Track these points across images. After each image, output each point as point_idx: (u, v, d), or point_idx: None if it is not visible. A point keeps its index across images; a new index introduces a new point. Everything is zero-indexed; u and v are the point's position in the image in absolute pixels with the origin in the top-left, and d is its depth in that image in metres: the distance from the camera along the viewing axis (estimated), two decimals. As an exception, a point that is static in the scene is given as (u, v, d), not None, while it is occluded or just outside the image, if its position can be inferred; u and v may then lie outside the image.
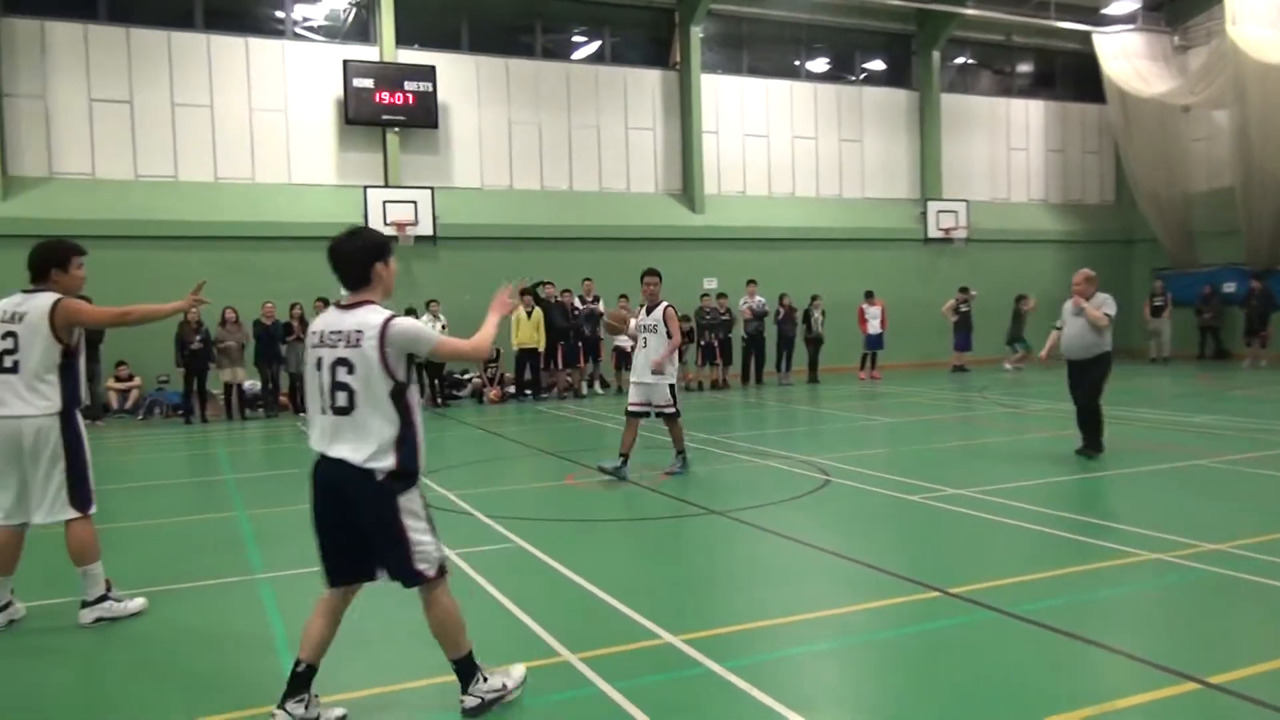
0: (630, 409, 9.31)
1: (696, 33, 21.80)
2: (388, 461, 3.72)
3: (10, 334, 5.04)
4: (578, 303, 18.42)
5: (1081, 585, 5.52)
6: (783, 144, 23.37)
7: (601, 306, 18.63)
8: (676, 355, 9.43)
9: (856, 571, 5.96)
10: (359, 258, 3.92)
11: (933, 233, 24.15)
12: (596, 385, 19.02)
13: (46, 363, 5.05)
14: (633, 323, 9.64)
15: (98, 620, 5.25)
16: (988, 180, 25.73)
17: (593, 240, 20.73)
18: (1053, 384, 18.57)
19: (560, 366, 18.07)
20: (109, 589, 5.36)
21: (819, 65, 24.21)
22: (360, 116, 19.14)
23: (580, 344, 18.22)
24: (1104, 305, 9.38)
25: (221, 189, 18.55)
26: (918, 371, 22.33)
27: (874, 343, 20.59)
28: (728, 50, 23.15)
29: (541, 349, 17.61)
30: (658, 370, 9.13)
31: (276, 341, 16.22)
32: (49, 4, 17.62)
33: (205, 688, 4.34)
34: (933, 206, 24.21)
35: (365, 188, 19.00)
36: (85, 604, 5.28)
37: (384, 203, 18.95)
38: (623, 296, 18.76)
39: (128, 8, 18.25)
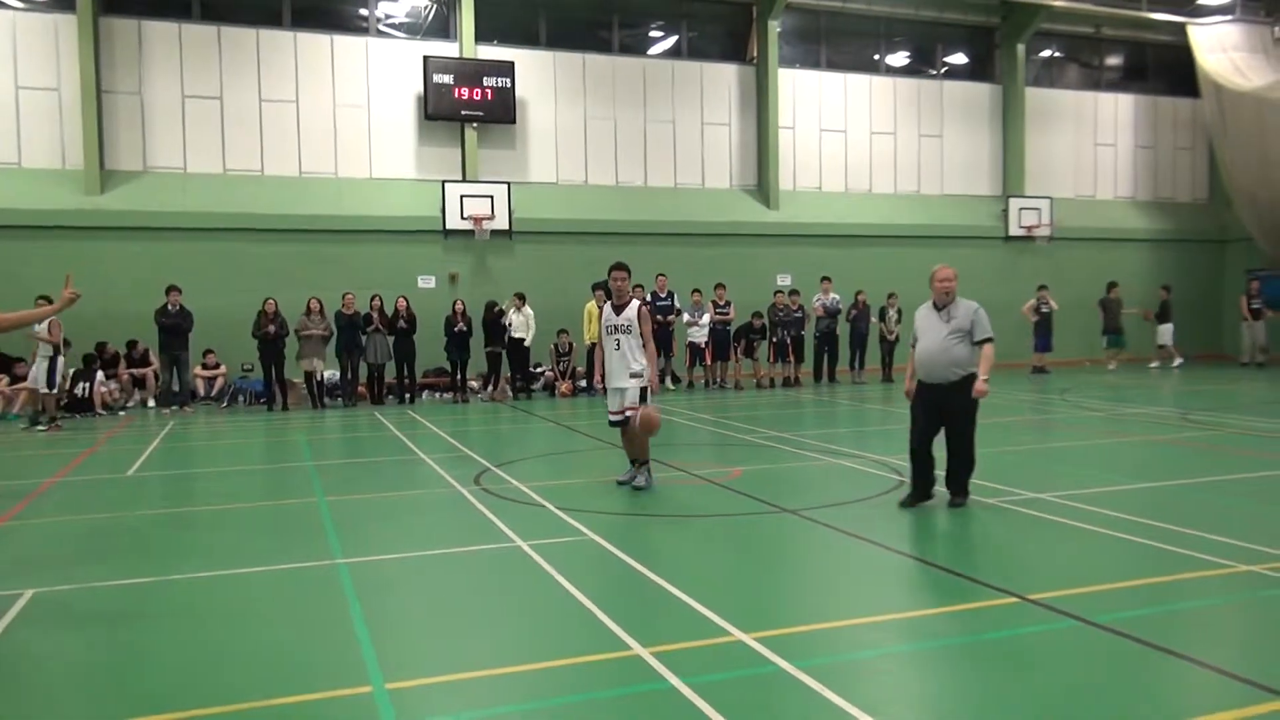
0: (612, 419, 8.56)
1: (774, 27, 21.63)
2: None
3: None
4: (650, 298, 18.44)
5: (1168, 595, 5.35)
6: (860, 139, 23.06)
7: (676, 302, 18.64)
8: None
9: (931, 574, 5.86)
10: None
11: (1014, 230, 23.60)
12: (668, 380, 19.02)
13: None
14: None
15: None
16: (1073, 177, 25.03)
17: (666, 236, 20.75)
18: (1142, 387, 18.02)
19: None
20: None
21: (899, 59, 23.82)
22: (440, 112, 19.44)
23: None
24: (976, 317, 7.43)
25: (305, 183, 19.02)
26: (996, 372, 21.71)
27: (951, 342, 20.17)
28: (805, 44, 22.91)
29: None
30: (636, 375, 8.31)
31: (357, 332, 16.56)
32: (146, 4, 18.28)
33: (286, 668, 4.46)
34: (1014, 203, 23.65)
35: (443, 182, 19.29)
36: None
37: (461, 197, 19.23)
38: (695, 291, 18.76)
39: (219, 7, 18.84)
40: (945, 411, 7.43)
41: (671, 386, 18.95)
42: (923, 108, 23.62)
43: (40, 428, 13.62)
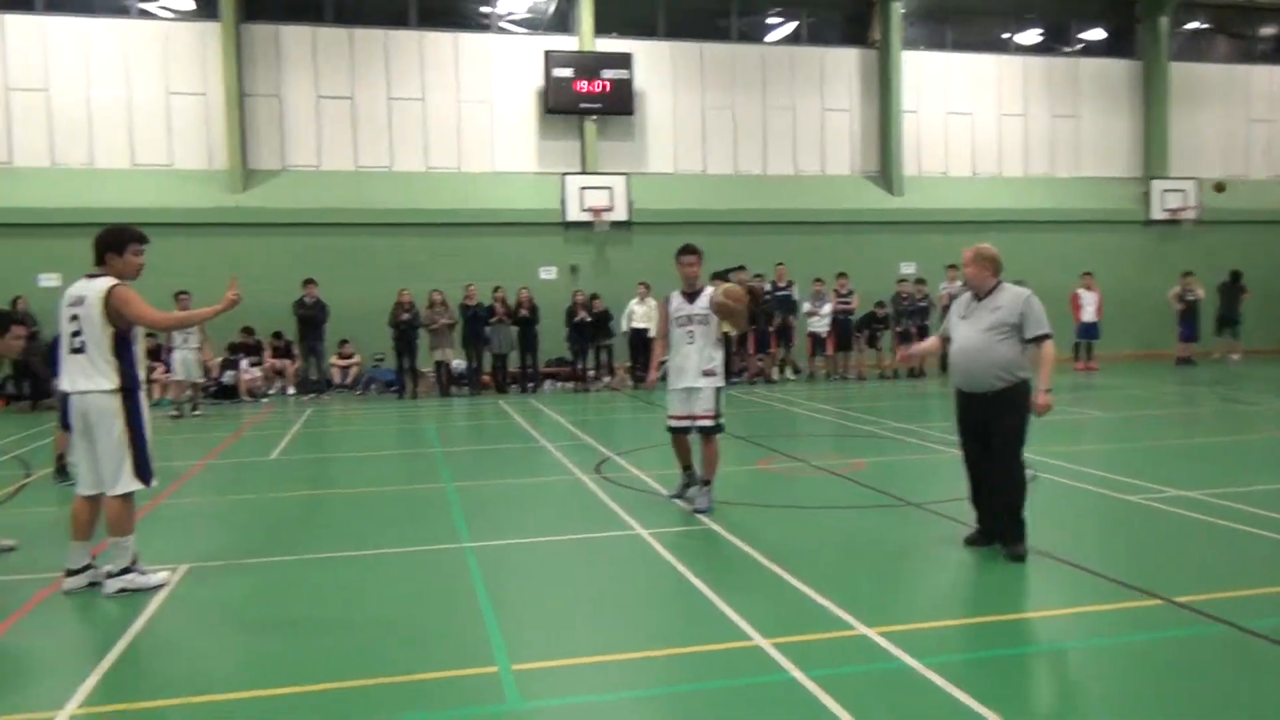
0: (672, 424, 7.53)
1: (897, 8, 21.08)
2: None
3: (75, 317, 5.44)
4: (769, 288, 18.28)
5: (1330, 602, 4.99)
6: (988, 121, 22.28)
7: (796, 293, 18.43)
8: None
9: (1066, 573, 5.62)
10: None
11: (1156, 214, 22.37)
12: (789, 371, 18.83)
13: (104, 345, 5.40)
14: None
15: (121, 591, 5.40)
16: (1222, 156, 23.54)
17: (786, 224, 20.52)
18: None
19: (751, 352, 18.00)
20: (135, 562, 5.53)
21: (1029, 37, 22.87)
22: (560, 105, 19.70)
23: (772, 329, 18.07)
24: (1027, 309, 5.84)
25: (431, 178, 19.58)
26: (1138, 363, 20.80)
27: (1088, 331, 19.36)
28: (930, 25, 22.25)
29: (733, 334, 17.56)
30: (710, 373, 7.34)
31: (481, 323, 16.96)
32: (283, 9, 19.13)
33: (418, 646, 4.61)
34: (1157, 185, 22.42)
35: (564, 175, 19.55)
36: (111, 575, 5.44)
37: (581, 189, 19.45)
38: (816, 280, 18.49)
39: (350, 9, 19.56)
40: (988, 428, 5.87)
41: (792, 377, 18.75)
42: (1055, 87, 22.63)
43: (175, 414, 14.30)
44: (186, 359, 14.41)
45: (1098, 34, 23.25)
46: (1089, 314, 19.27)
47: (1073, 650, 4.47)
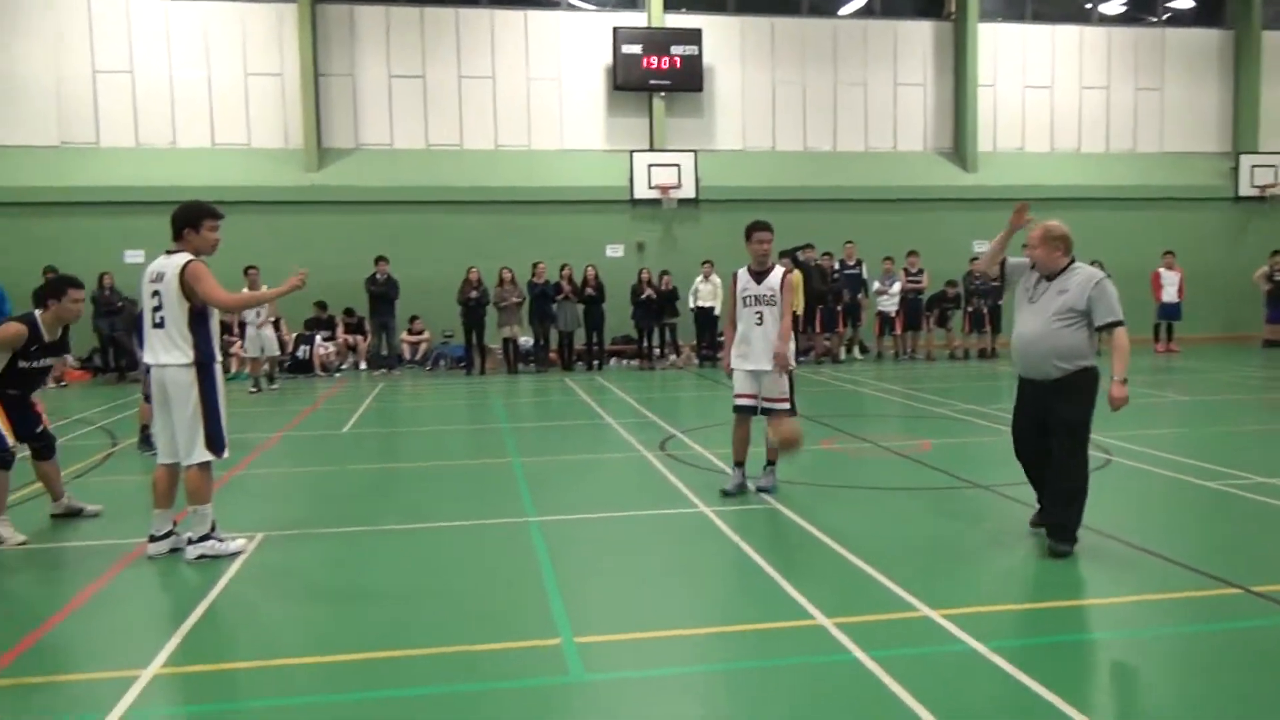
0: (739, 403, 7.22)
1: (975, -20, 20.54)
2: None
3: (156, 293, 5.61)
4: (838, 266, 18.06)
5: None
6: (1068, 95, 21.63)
7: (865, 272, 18.19)
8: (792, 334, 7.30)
9: (1139, 559, 5.49)
10: None
11: (1245, 190, 21.52)
12: (856, 350, 18.63)
13: (181, 320, 5.56)
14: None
15: (200, 557, 5.61)
16: (1318, 129, 22.52)
17: (856, 202, 20.24)
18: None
19: (818, 330, 17.83)
20: (214, 529, 5.72)
21: (1114, 7, 22.08)
22: (628, 82, 19.66)
23: (840, 308, 17.87)
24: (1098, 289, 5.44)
25: (500, 156, 19.73)
26: (1221, 346, 20.09)
27: (1170, 312, 18.76)
28: (1008, -3, 21.64)
29: (800, 312, 17.42)
30: (781, 356, 7.02)
31: (548, 300, 17.09)
32: (357, -11, 19.38)
33: (483, 617, 4.71)
34: (1246, 161, 21.56)
35: (631, 152, 19.53)
36: (191, 541, 5.66)
37: (649, 166, 19.41)
38: (886, 259, 18.21)
39: (422, -12, 19.73)
40: (1046, 418, 5.54)
41: (859, 356, 18.55)
42: (1140, 58, 21.85)
43: (253, 389, 14.70)
44: (261, 334, 14.77)
45: (1186, 2, 22.35)
46: (1170, 294, 18.67)
47: (1141, 638, 4.37)
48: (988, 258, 6.02)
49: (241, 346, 15.66)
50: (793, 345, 7.18)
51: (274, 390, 14.80)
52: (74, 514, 6.74)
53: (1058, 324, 5.41)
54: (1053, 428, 5.50)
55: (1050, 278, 5.56)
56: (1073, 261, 5.60)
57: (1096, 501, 6.64)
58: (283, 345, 14.86)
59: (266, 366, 15.17)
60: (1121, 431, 9.36)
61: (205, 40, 18.81)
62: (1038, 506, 5.92)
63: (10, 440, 6.24)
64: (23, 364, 6.28)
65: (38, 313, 6.38)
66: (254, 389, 14.62)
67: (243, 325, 14.84)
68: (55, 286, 6.40)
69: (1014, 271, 5.85)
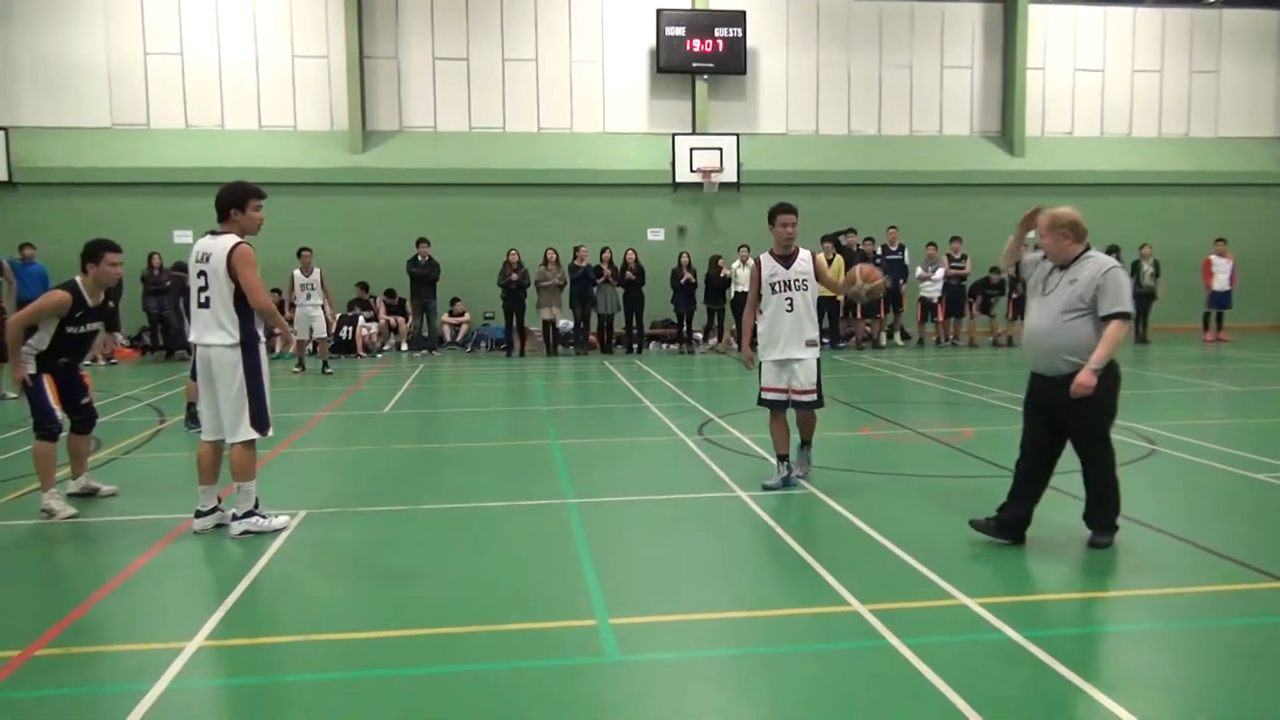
0: (767, 397, 6.90)
1: (1025, -40, 20.14)
2: None
3: (202, 273, 5.69)
4: (880, 251, 17.88)
5: None
6: (1120, 78, 21.17)
7: (907, 257, 17.99)
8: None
9: (1182, 550, 5.40)
10: None
11: (1303, 176, 20.96)
12: (896, 336, 18.46)
13: (227, 300, 5.64)
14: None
15: (244, 533, 5.73)
16: (1382, 113, 21.85)
17: (900, 186, 20.03)
18: None
19: (859, 316, 17.69)
20: (257, 506, 5.84)
21: (1170, -13, 21.54)
22: (671, 65, 19.57)
23: (881, 294, 17.67)
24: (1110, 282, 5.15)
25: (543, 138, 19.75)
26: (1274, 335, 19.63)
27: (1220, 300, 18.34)
28: (1061, -23, 21.19)
29: (841, 298, 17.30)
30: (812, 343, 6.82)
31: (589, 283, 17.11)
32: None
33: (520, 597, 4.76)
34: (1305, 145, 20.98)
35: (674, 135, 19.46)
36: (235, 517, 5.78)
37: (691, 150, 19.33)
38: (930, 244, 18.00)
39: (466, -29, 19.75)
40: (1060, 419, 5.34)
41: (900, 342, 18.38)
42: (1195, 40, 21.31)
43: (297, 369, 14.80)
44: (307, 314, 14.88)
45: (1245, -17, 21.75)
46: (1221, 282, 18.25)
47: (1182, 630, 4.30)
48: (1005, 256, 5.86)
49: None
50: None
51: (328, 374, 14.60)
52: (89, 494, 6.79)
53: (1068, 317, 5.19)
54: (1066, 422, 5.31)
55: (1064, 267, 5.31)
56: (1087, 249, 5.34)
57: (1140, 491, 6.55)
58: (328, 325, 14.95)
59: (317, 350, 15.10)
60: (1168, 421, 9.20)
61: (254, 22, 19.01)
62: (1002, 502, 5.57)
63: (60, 413, 6.38)
64: (70, 329, 6.37)
65: (78, 278, 6.48)
66: (298, 368, 14.75)
67: (292, 305, 14.97)
68: (92, 250, 6.47)
69: (1028, 267, 5.66)
